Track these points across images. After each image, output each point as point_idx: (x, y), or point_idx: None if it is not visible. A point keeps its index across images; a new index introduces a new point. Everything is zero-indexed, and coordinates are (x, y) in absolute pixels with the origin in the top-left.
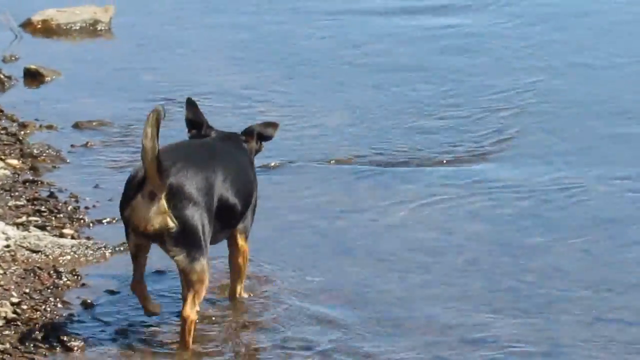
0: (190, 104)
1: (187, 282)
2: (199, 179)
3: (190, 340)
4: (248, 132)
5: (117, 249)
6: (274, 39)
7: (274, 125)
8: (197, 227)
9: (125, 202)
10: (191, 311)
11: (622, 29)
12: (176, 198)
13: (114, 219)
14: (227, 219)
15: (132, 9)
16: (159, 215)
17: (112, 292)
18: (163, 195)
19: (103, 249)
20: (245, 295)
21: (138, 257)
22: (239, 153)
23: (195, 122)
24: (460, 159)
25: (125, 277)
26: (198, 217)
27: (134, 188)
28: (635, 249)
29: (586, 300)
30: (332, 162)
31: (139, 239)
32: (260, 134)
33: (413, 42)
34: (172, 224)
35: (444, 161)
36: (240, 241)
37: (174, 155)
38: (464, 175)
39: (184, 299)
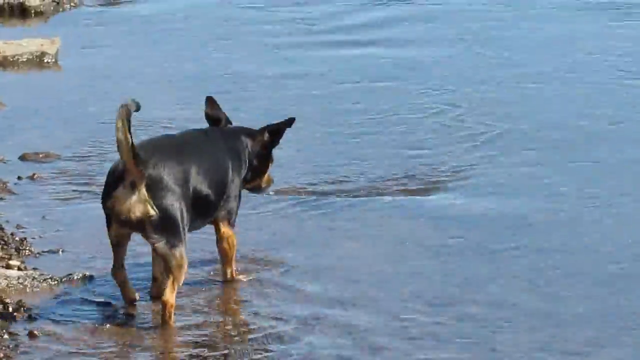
0: (210, 100)
1: (167, 268)
2: (176, 171)
3: (172, 323)
4: (261, 128)
5: (63, 279)
6: (219, 71)
7: (287, 120)
8: (175, 215)
9: (107, 192)
10: (171, 295)
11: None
12: (156, 188)
13: (60, 249)
14: (202, 209)
15: (79, 41)
16: (139, 203)
17: (57, 323)
18: (143, 185)
19: (49, 280)
20: (242, 278)
21: (118, 246)
22: (221, 147)
23: (214, 117)
24: (407, 190)
25: (70, 309)
26: (177, 206)
27: (116, 179)
28: (579, 279)
29: (532, 331)
30: (273, 192)
31: (121, 228)
32: (270, 129)
33: (357, 71)
34: (152, 211)
35: (393, 190)
36: (223, 227)
37: (152, 148)
38: (411, 206)
39: (159, 283)
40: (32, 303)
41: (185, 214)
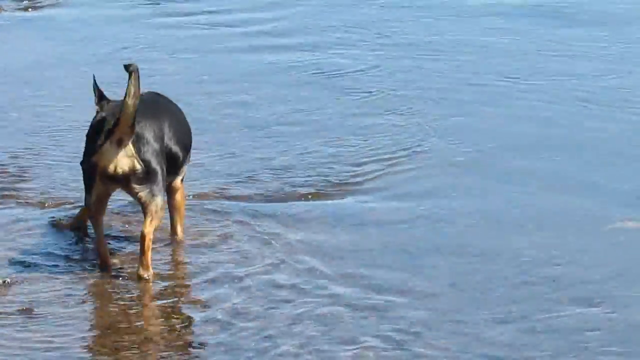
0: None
1: (148, 212)
2: (156, 128)
3: (150, 258)
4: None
5: None
6: (141, 74)
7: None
8: (157, 169)
9: (93, 149)
10: (150, 228)
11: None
12: (140, 144)
13: None
14: (172, 166)
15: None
16: (126, 158)
17: None
18: (130, 142)
19: None
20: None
21: (100, 204)
22: (178, 109)
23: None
24: (322, 193)
25: None
26: (159, 160)
27: (103, 137)
28: (499, 282)
29: (454, 333)
30: (192, 197)
31: (105, 184)
32: None
33: (274, 75)
34: (138, 166)
35: (309, 195)
36: (178, 183)
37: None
38: (326, 209)
39: (145, 221)
40: None
41: (164, 168)
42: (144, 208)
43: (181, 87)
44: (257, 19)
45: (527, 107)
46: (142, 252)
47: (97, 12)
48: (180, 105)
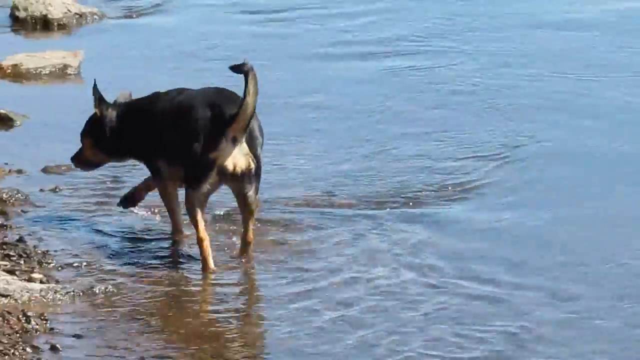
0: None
1: (250, 212)
2: (257, 123)
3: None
4: None
5: (85, 293)
6: (238, 83)
7: None
8: (262, 165)
9: (211, 146)
10: (252, 236)
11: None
12: (252, 141)
13: (82, 263)
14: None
15: (101, 54)
16: (243, 156)
17: (79, 337)
18: (244, 139)
19: (71, 293)
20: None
21: (206, 197)
22: None
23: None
24: (426, 201)
25: (92, 322)
26: (262, 155)
27: (218, 135)
28: (607, 285)
29: (559, 344)
30: (298, 204)
31: (219, 180)
32: None
33: (372, 83)
34: (253, 164)
35: (410, 203)
36: None
37: (234, 102)
38: (430, 217)
39: (246, 227)
40: (54, 316)
41: None
42: (247, 207)
43: (285, 92)
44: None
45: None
46: (245, 253)
47: (198, 18)
48: (285, 111)
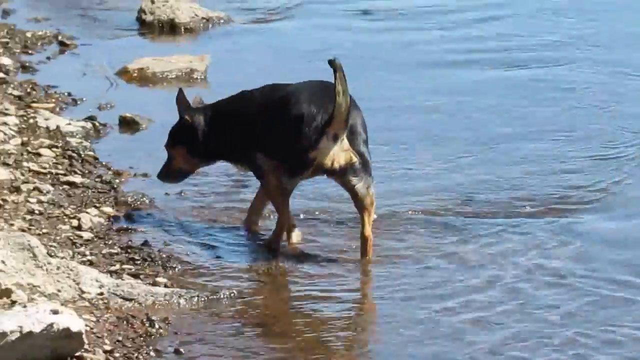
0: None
1: (364, 206)
2: (360, 117)
3: (371, 255)
4: None
5: (209, 297)
6: (372, 91)
7: None
8: (369, 159)
9: (311, 146)
10: (370, 230)
11: None
12: (353, 136)
13: (207, 267)
14: None
15: (228, 58)
16: (343, 152)
17: (202, 341)
18: (345, 136)
19: (196, 297)
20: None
21: (291, 190)
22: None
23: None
24: (554, 210)
25: (215, 327)
26: (369, 150)
27: (317, 133)
28: None
29: None
30: (419, 212)
31: (313, 174)
32: None
33: (503, 91)
34: (355, 158)
35: (543, 208)
36: None
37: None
38: (560, 227)
39: (362, 223)
40: (178, 321)
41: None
42: (359, 201)
43: (408, 99)
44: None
45: None
46: (365, 253)
47: (326, 24)
48: (409, 118)
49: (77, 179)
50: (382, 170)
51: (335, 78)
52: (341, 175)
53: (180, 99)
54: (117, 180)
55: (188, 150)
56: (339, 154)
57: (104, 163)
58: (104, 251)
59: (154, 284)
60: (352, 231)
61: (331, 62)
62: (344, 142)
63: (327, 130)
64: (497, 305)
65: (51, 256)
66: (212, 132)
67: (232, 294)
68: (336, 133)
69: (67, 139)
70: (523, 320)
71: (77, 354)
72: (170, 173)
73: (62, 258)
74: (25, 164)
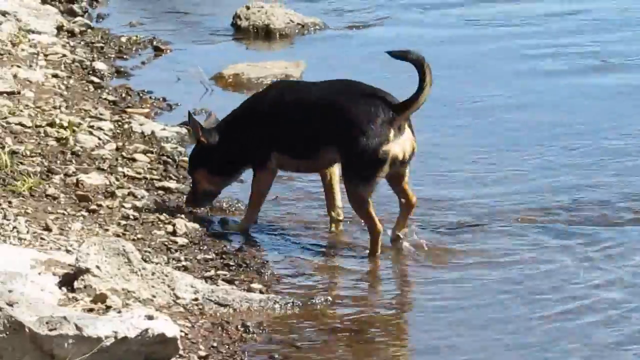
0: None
1: (412, 204)
2: None
3: None
4: None
5: (304, 304)
6: (461, 96)
7: None
8: None
9: (381, 142)
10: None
11: None
12: (411, 126)
13: (302, 273)
14: None
15: (323, 64)
16: (409, 142)
17: (297, 348)
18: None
19: (291, 304)
20: None
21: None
22: None
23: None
24: None
25: (310, 333)
26: None
27: (385, 127)
28: None
29: None
30: (519, 219)
31: (388, 170)
32: None
33: (603, 99)
34: (416, 145)
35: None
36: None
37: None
38: None
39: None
40: (273, 326)
41: None
42: (403, 179)
43: (502, 112)
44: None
45: None
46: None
47: (424, 32)
48: (503, 124)
49: (172, 184)
50: (501, 171)
51: (422, 70)
52: (403, 165)
53: (193, 123)
54: None
55: (210, 171)
56: (407, 144)
57: None
58: (198, 257)
59: (249, 289)
60: (455, 237)
61: (407, 54)
62: (408, 131)
63: (393, 124)
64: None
65: (146, 261)
66: (229, 146)
67: (327, 300)
68: (401, 124)
69: (162, 144)
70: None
71: (171, 359)
72: (198, 198)
73: (157, 263)
74: (119, 169)
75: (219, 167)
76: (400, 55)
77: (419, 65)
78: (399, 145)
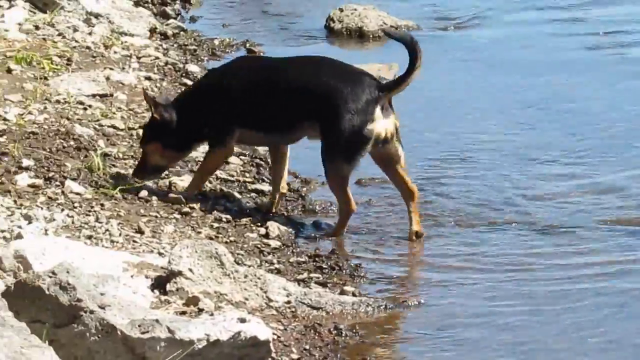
0: None
1: (403, 165)
2: None
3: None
4: None
5: (397, 306)
6: (555, 99)
7: None
8: None
9: (367, 119)
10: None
11: None
12: (391, 103)
13: (395, 277)
14: None
15: None
16: (390, 119)
17: (390, 350)
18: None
19: (384, 306)
20: None
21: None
22: None
23: None
24: None
25: (403, 336)
26: None
27: (371, 105)
28: None
29: None
30: (609, 222)
31: (369, 150)
32: None
33: None
34: (398, 123)
35: None
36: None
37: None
38: None
39: (410, 218)
40: (366, 329)
41: None
42: (396, 163)
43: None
44: None
45: None
46: (415, 211)
47: (517, 34)
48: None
49: (265, 187)
50: (590, 178)
51: (414, 54)
52: (387, 142)
53: (146, 98)
54: (305, 189)
55: (163, 144)
56: (389, 122)
57: (292, 171)
58: (291, 259)
59: (342, 292)
60: (547, 240)
61: (404, 37)
62: (390, 109)
63: (378, 103)
64: None
65: (238, 264)
66: (186, 120)
67: (419, 302)
68: (384, 104)
69: (255, 147)
70: None
71: None
72: (146, 170)
73: (250, 266)
74: None
75: (174, 142)
76: (395, 36)
77: (411, 47)
78: (382, 124)
